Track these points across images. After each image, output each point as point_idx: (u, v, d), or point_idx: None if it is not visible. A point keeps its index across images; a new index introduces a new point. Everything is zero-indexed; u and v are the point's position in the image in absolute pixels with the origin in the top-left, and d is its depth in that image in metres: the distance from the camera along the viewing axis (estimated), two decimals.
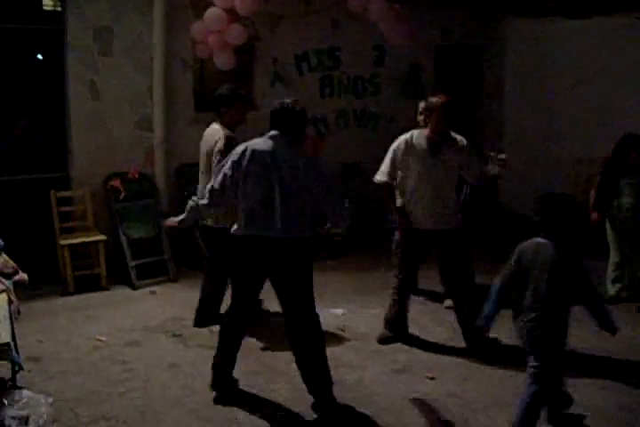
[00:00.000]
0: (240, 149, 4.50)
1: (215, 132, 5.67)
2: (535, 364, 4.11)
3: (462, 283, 5.48)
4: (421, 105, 6.37)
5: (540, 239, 4.17)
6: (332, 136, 9.03)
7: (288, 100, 4.59)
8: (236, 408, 4.56)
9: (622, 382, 4.98)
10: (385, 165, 5.57)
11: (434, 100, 5.45)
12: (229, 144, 5.36)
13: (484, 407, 4.59)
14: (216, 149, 5.49)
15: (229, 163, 4.48)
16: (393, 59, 9.40)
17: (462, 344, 5.60)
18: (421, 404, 4.65)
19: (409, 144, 5.46)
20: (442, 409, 4.58)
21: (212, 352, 4.83)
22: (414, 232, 5.47)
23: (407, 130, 6.75)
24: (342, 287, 7.19)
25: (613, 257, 6.74)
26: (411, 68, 9.64)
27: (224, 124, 5.69)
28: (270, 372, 5.13)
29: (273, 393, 4.80)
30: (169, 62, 7.68)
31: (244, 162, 4.42)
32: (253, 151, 4.43)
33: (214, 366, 4.75)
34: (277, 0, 8.14)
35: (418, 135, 5.49)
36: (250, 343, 5.51)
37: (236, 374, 4.84)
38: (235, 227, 4.53)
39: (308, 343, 4.51)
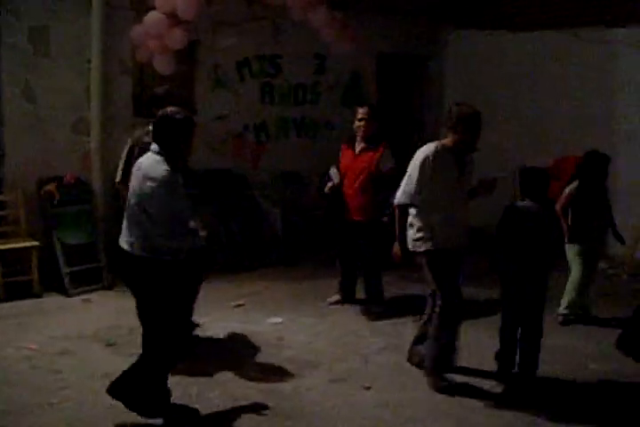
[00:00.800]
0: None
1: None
2: None
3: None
4: (360, 111, 6.44)
5: (525, 202, 5.16)
6: (272, 144, 8.99)
7: (172, 108, 4.33)
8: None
9: None
10: (411, 185, 4.93)
11: (462, 108, 4.97)
12: (130, 150, 5.47)
13: (419, 418, 4.60)
14: None
15: None
16: (334, 67, 9.42)
17: (400, 353, 5.62)
18: (356, 414, 4.63)
19: (437, 158, 4.89)
20: (376, 419, 4.57)
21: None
22: (445, 253, 4.97)
23: (348, 138, 6.80)
24: (281, 296, 7.17)
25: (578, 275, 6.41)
26: (352, 77, 9.68)
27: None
28: (205, 381, 5.05)
29: (208, 402, 4.72)
30: (107, 65, 7.54)
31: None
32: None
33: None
34: (219, 5, 8.08)
35: (441, 147, 4.96)
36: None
37: (170, 382, 4.76)
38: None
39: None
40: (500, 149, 9.50)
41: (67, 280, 7.06)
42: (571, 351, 5.80)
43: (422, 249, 4.96)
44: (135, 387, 4.39)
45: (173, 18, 7.15)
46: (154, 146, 4.32)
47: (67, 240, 7.23)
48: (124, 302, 6.55)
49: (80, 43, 7.41)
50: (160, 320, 4.40)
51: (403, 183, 4.99)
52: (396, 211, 5.06)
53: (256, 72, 8.84)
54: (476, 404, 4.79)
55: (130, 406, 4.40)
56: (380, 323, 6.40)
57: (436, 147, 4.94)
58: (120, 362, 5.30)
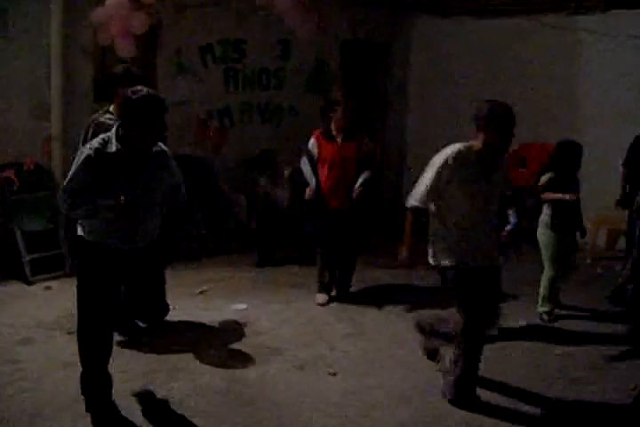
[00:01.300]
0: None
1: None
2: None
3: None
4: (342, 106, 6.34)
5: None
6: (236, 129, 8.91)
7: (139, 88, 4.01)
8: (134, 409, 4.41)
9: None
10: (421, 186, 4.44)
11: (492, 105, 4.44)
12: (85, 131, 5.28)
13: (384, 404, 4.60)
14: None
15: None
16: (298, 53, 9.35)
17: (365, 339, 5.62)
18: (322, 400, 4.62)
19: (458, 161, 4.40)
20: (341, 405, 4.56)
21: (126, 351, 4.69)
22: (469, 270, 4.47)
23: (311, 124, 6.75)
24: (246, 283, 7.13)
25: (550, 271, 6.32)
26: (316, 63, 9.62)
27: (115, 107, 5.27)
28: (169, 369, 5.00)
29: (172, 391, 4.68)
30: (68, 49, 7.36)
31: None
32: None
33: None
34: None
35: (467, 149, 4.45)
36: (147, 342, 5.38)
37: (134, 372, 4.72)
38: None
39: None
40: (462, 137, 9.52)
41: (27, 268, 6.94)
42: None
43: (444, 263, 4.51)
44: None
45: (135, 1, 7.02)
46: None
47: (26, 227, 7.10)
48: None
49: (40, 26, 7.23)
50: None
51: (416, 183, 4.50)
52: (407, 213, 4.60)
53: (219, 57, 8.73)
54: (439, 389, 4.79)
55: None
56: (345, 309, 6.39)
57: (460, 148, 4.43)
58: None
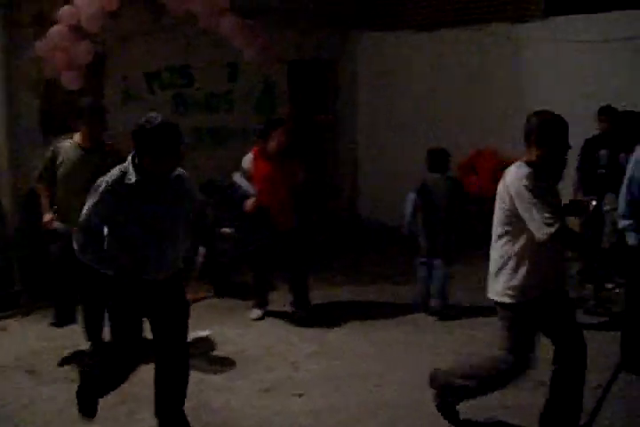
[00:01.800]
0: None
1: None
2: None
3: None
4: (278, 130, 6.37)
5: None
6: (188, 155, 8.85)
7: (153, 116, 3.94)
8: None
9: None
10: (549, 209, 3.86)
11: (544, 116, 4.14)
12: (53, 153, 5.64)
13: (350, 423, 4.59)
14: None
15: None
16: (246, 75, 9.38)
17: (330, 358, 5.62)
18: (289, 423, 4.60)
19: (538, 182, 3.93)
20: (311, 425, 4.54)
21: (72, 385, 4.61)
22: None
23: (260, 149, 6.70)
24: (205, 308, 7.01)
25: None
26: (264, 84, 9.66)
27: (84, 136, 5.68)
28: (134, 402, 4.93)
29: (138, 423, 4.61)
30: (12, 82, 7.33)
31: None
32: None
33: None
34: (126, 17, 7.92)
35: (536, 168, 3.97)
36: None
37: (100, 406, 4.65)
38: None
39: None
40: (413, 148, 9.63)
41: None
42: None
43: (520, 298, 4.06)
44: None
45: (78, 31, 6.99)
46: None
47: None
48: (43, 328, 6.41)
49: None
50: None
51: (533, 215, 3.85)
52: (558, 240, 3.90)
53: (167, 83, 8.74)
54: (407, 403, 4.80)
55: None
56: (307, 329, 6.37)
57: (529, 170, 3.93)
58: (42, 389, 5.17)
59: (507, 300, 4.06)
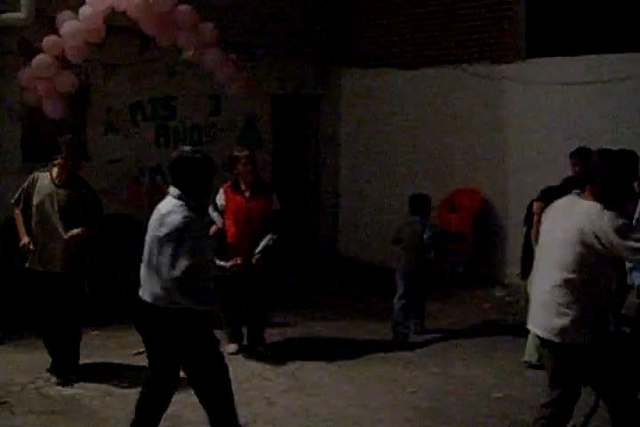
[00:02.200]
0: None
1: None
2: None
3: None
4: (243, 155, 6.34)
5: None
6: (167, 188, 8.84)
7: (187, 148, 4.27)
8: None
9: None
10: None
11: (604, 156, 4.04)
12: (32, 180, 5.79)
13: None
14: None
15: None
16: (229, 108, 9.43)
17: (305, 394, 5.56)
18: None
19: None
20: None
21: (43, 417, 4.50)
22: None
23: (231, 183, 6.68)
24: None
25: None
26: (247, 118, 9.70)
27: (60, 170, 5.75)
28: None
29: None
30: None
31: None
32: None
33: None
34: (112, 47, 7.97)
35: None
36: (81, 406, 5.24)
37: None
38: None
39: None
40: (395, 187, 9.69)
41: None
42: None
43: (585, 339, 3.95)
44: None
45: (62, 61, 7.01)
46: (173, 190, 4.18)
47: None
48: (15, 357, 6.30)
49: None
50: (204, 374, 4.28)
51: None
52: None
53: (150, 115, 8.76)
54: None
55: None
56: (284, 364, 6.30)
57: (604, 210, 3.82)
58: (13, 421, 5.07)
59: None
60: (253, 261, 6.27)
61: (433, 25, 9.61)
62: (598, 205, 3.83)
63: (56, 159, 5.72)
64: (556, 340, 3.89)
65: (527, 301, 8.03)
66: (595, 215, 3.79)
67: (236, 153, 6.43)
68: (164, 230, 4.02)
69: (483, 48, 9.31)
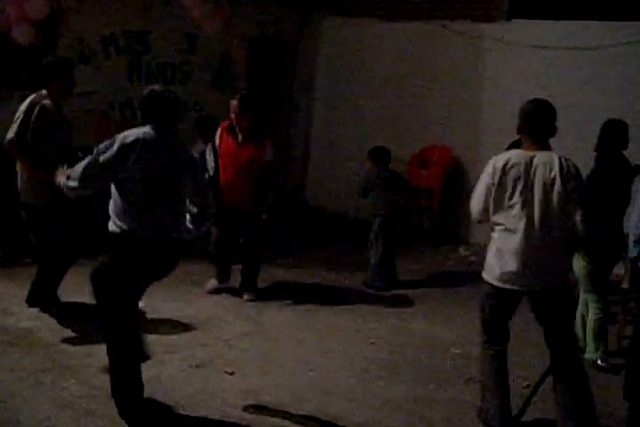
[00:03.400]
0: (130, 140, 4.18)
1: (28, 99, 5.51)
2: None
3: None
4: (233, 104, 6.27)
5: None
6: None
7: (157, 87, 4.37)
8: (20, 411, 4.20)
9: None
10: None
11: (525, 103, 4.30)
12: (28, 111, 5.36)
13: (283, 403, 4.54)
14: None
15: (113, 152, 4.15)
16: (205, 48, 9.22)
17: (264, 339, 5.56)
18: (219, 400, 4.52)
19: None
20: (239, 406, 4.48)
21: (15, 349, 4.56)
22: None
23: (228, 124, 6.57)
24: None
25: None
26: (222, 59, 9.50)
27: (51, 95, 5.48)
28: (60, 369, 4.81)
29: (63, 392, 4.49)
30: None
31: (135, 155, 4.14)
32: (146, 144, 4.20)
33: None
34: None
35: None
36: (38, 338, 5.20)
37: (23, 371, 4.52)
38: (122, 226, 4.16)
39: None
40: (367, 139, 9.61)
41: None
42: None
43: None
44: None
45: None
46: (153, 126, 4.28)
47: None
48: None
49: None
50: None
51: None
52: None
53: (123, 48, 8.53)
54: (338, 389, 4.79)
55: None
56: (244, 308, 6.29)
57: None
58: None
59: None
60: (263, 217, 6.35)
61: None
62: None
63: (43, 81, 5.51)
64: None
65: None
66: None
67: (232, 100, 6.33)
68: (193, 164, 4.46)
69: (465, 5, 9.17)
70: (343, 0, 10.12)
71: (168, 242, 4.24)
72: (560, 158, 4.11)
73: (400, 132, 9.42)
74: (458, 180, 9.01)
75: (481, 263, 4.51)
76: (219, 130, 6.45)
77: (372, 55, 9.83)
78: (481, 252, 8.31)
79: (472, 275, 7.07)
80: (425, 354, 5.53)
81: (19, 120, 5.41)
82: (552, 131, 4.20)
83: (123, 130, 4.73)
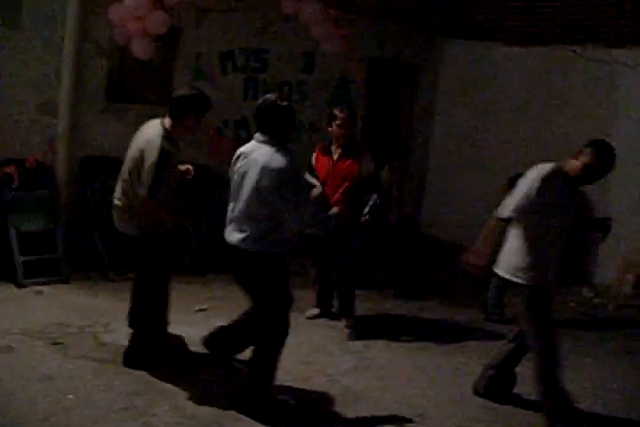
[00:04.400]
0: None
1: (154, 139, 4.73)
2: None
3: None
4: (340, 115, 5.99)
5: None
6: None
7: (273, 95, 4.40)
8: None
9: None
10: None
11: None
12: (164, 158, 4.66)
13: None
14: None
15: None
16: (323, 67, 9.01)
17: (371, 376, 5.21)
18: None
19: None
20: None
21: (95, 365, 4.44)
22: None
23: (322, 145, 6.34)
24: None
25: None
26: (340, 79, 9.27)
27: (180, 130, 4.88)
28: (154, 393, 4.60)
29: (153, 418, 4.27)
30: (82, 45, 7.06)
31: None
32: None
33: None
34: None
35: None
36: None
37: (115, 392, 4.34)
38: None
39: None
40: (490, 166, 9.20)
41: (20, 270, 6.56)
42: None
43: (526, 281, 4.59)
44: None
45: (155, 1, 6.72)
46: (259, 136, 4.34)
47: (23, 227, 6.76)
48: (78, 298, 6.17)
49: (55, 18, 6.91)
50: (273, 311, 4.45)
51: None
52: None
53: (240, 65, 8.43)
54: None
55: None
56: (351, 341, 5.95)
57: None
58: (63, 364, 4.89)
59: None
60: (362, 220, 6.08)
61: (546, 1, 8.94)
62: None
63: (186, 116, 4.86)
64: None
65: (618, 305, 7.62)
66: None
67: (335, 111, 6.07)
68: (277, 176, 4.19)
69: (597, 29, 8.65)
70: (469, 23, 9.75)
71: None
72: None
73: (525, 162, 8.92)
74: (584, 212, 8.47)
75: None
76: (314, 153, 6.24)
77: (497, 81, 9.42)
78: (605, 294, 7.83)
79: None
80: None
81: (153, 172, 4.63)
82: None
83: (236, 148, 4.61)
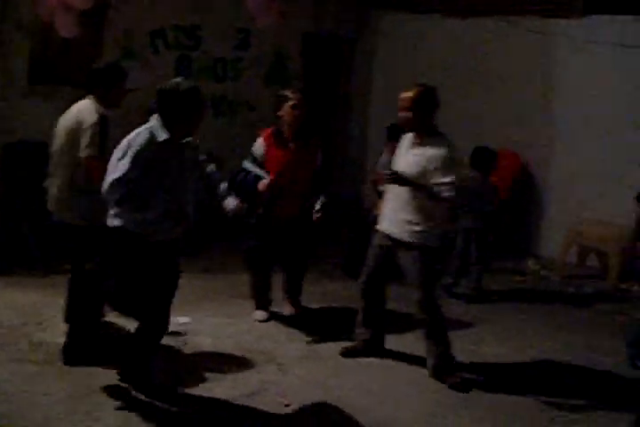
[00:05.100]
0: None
1: (86, 108, 4.68)
2: None
3: None
4: (293, 96, 5.60)
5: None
6: None
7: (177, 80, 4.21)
8: None
9: None
10: None
11: None
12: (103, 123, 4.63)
13: None
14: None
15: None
16: (258, 43, 8.74)
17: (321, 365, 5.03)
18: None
19: None
20: None
21: (30, 368, 4.34)
22: None
23: (268, 121, 6.07)
24: (196, 291, 6.25)
25: None
26: (276, 55, 9.01)
27: (105, 103, 4.75)
28: (95, 395, 4.33)
29: (97, 423, 4.01)
30: (1, 23, 6.68)
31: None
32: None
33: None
34: None
35: None
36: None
37: (54, 399, 4.07)
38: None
39: None
40: None
41: None
42: None
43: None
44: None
45: None
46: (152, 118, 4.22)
47: None
48: (6, 295, 5.81)
49: None
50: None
51: None
52: None
53: (172, 43, 8.10)
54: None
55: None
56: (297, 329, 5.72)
57: None
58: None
59: None
60: (314, 218, 5.66)
61: None
62: None
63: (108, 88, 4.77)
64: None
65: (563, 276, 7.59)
66: None
67: (286, 93, 5.64)
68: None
69: (536, 0, 8.55)
70: None
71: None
72: None
73: (463, 134, 8.80)
74: (527, 187, 8.41)
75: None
76: (258, 140, 5.70)
77: (434, 53, 9.26)
78: (551, 266, 7.81)
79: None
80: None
81: (95, 134, 4.60)
82: None
83: None
